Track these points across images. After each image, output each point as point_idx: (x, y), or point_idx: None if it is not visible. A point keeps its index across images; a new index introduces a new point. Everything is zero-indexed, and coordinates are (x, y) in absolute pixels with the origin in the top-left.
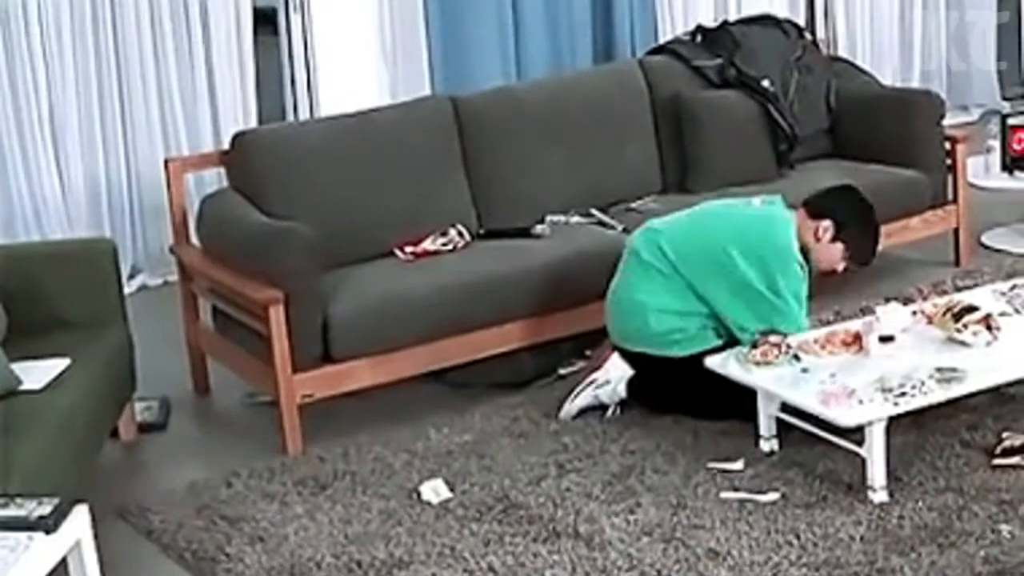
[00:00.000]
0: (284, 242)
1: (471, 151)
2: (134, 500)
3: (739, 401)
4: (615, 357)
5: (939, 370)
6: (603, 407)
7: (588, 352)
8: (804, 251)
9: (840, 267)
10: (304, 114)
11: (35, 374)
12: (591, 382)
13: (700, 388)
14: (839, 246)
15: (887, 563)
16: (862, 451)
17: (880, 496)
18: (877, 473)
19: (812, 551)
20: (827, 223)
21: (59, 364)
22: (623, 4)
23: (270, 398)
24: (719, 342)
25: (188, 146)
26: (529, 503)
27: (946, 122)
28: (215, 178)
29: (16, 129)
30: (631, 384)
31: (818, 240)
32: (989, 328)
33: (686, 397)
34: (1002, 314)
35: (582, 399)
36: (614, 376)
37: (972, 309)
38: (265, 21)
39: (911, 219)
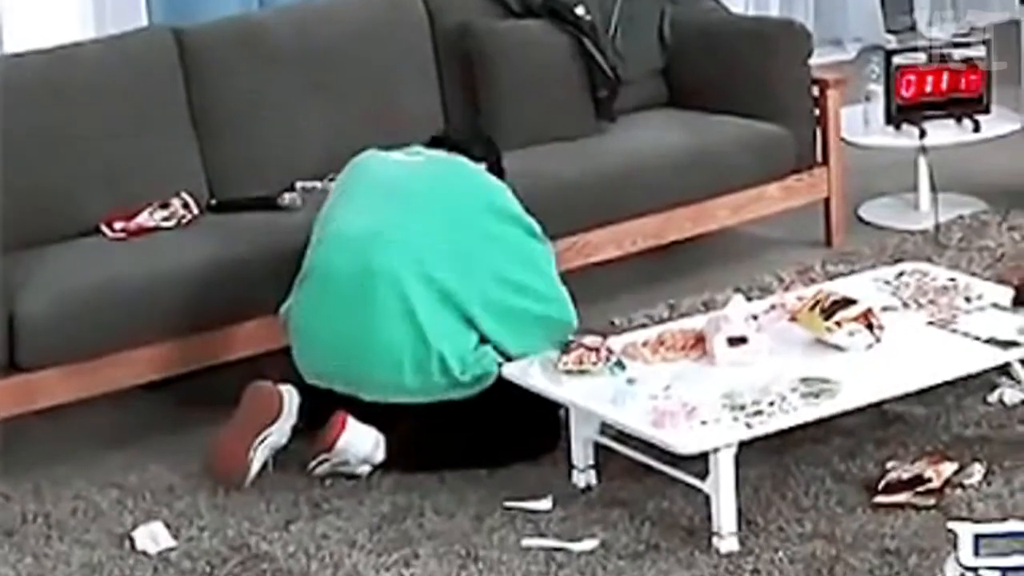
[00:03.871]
0: None
1: (199, 98)
2: None
3: (545, 423)
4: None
5: (805, 381)
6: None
7: None
8: None
9: None
10: None
11: None
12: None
13: (492, 421)
14: None
15: None
16: (705, 486)
17: (728, 544)
18: (725, 514)
19: None
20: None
21: None
22: None
23: None
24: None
25: None
26: (275, 553)
27: (814, 61)
28: None
29: None
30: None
31: None
32: (869, 327)
33: (474, 437)
34: (886, 309)
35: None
36: (352, 454)
37: (847, 303)
38: None
39: (769, 186)
